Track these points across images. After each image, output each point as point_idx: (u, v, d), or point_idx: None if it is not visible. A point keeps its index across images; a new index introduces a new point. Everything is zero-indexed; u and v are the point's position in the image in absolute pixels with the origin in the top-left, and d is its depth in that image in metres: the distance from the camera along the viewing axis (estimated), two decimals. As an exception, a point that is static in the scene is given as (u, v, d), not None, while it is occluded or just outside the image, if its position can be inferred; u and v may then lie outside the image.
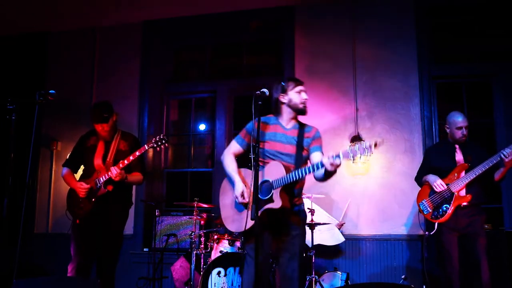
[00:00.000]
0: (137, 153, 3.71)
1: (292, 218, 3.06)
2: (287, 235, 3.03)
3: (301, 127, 3.16)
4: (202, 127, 6.29)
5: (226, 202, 3.20)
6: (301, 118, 3.22)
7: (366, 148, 2.66)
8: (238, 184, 3.04)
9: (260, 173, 2.98)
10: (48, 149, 5.91)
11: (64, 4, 5.54)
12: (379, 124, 5.14)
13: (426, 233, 3.97)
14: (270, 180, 2.94)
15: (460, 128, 3.94)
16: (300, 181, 3.07)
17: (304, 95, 3.13)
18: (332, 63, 5.36)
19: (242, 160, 3.34)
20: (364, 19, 5.35)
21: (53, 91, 3.17)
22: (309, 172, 2.84)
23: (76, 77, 6.08)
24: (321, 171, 2.86)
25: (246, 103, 3.32)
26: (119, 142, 3.92)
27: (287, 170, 2.93)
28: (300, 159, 3.05)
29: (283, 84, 3.11)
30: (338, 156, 2.70)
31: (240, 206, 3.08)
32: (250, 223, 2.81)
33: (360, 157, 2.77)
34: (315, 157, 3.06)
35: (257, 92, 2.91)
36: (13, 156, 3.29)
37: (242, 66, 6.10)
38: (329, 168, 2.72)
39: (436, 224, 3.85)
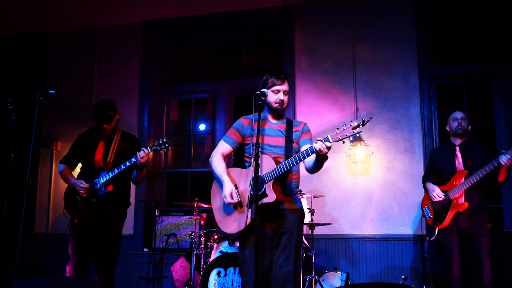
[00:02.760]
0: (140, 154, 3.73)
1: (292, 211, 2.98)
2: (283, 231, 2.93)
3: (289, 122, 3.14)
4: (202, 127, 6.28)
5: (217, 205, 3.12)
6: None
7: (354, 127, 2.63)
8: (227, 185, 2.97)
9: (249, 169, 2.98)
10: (48, 149, 5.91)
11: (64, 4, 5.53)
12: (379, 124, 5.13)
13: (427, 238, 4.01)
14: (261, 175, 2.87)
15: (456, 119, 4.02)
16: (295, 174, 3.03)
17: (280, 95, 3.04)
18: (332, 63, 5.35)
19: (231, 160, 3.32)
20: (364, 19, 5.34)
21: (53, 91, 3.17)
22: (300, 160, 2.82)
23: (76, 77, 6.07)
24: (311, 158, 2.85)
25: (246, 103, 3.30)
26: (119, 142, 3.93)
27: (277, 162, 2.88)
28: (290, 150, 3.02)
29: (264, 79, 3.01)
30: (327, 139, 2.68)
31: (229, 208, 3.02)
32: (244, 224, 2.81)
33: (350, 138, 2.68)
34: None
35: (257, 92, 2.90)
36: (13, 156, 3.30)
37: (242, 66, 6.10)
38: (323, 150, 2.67)
39: (436, 230, 3.90)
